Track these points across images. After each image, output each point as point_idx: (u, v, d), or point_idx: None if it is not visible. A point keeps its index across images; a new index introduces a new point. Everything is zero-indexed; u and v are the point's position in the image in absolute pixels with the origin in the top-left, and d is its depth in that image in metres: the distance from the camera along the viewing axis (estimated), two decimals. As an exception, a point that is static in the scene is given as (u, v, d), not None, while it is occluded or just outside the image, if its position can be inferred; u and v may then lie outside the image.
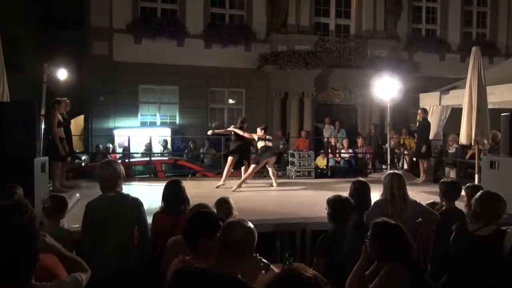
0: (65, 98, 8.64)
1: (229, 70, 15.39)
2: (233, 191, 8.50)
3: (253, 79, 15.69)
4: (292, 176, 10.86)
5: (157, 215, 4.21)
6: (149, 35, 14.69)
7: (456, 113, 11.05)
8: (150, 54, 14.59)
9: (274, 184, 9.20)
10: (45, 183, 6.32)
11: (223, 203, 4.05)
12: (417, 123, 11.10)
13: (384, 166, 11.86)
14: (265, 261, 2.56)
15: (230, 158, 9.36)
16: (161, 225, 4.02)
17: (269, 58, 15.06)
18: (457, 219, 4.01)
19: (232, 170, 9.53)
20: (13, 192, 3.86)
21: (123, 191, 3.61)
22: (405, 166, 12.27)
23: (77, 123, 16.83)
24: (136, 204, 3.54)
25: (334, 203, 3.82)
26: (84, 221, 3.48)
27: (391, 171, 4.69)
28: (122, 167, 3.57)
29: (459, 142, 8.60)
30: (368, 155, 13.49)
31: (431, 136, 10.85)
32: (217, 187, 8.89)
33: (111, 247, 3.38)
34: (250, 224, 2.32)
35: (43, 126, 8.02)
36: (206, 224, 2.65)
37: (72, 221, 4.87)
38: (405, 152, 12.93)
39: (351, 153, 13.41)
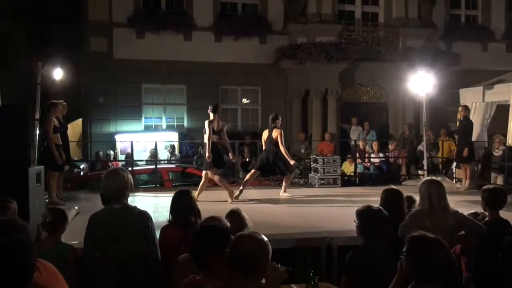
0: (61, 101, 8.77)
1: (242, 66, 15.45)
2: (233, 199, 8.49)
3: (269, 76, 15.72)
4: (315, 185, 10.84)
5: (164, 229, 4.24)
6: (153, 28, 14.84)
7: (502, 110, 10.89)
8: (154, 50, 14.74)
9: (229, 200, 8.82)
10: (41, 195, 6.36)
11: (234, 216, 4.05)
12: (458, 123, 10.98)
13: (420, 172, 11.74)
14: (283, 266, 2.53)
15: (254, 171, 9.36)
16: (169, 239, 4.06)
17: (287, 51, 15.08)
18: (502, 231, 3.96)
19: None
20: (6, 206, 3.90)
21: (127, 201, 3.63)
22: (454, 172, 12.06)
23: (74, 128, 17.05)
24: (144, 218, 3.55)
25: (364, 215, 3.80)
26: (87, 237, 3.50)
27: (429, 177, 4.65)
28: (130, 176, 3.58)
29: (506, 144, 8.48)
30: (401, 160, 13.39)
31: (473, 138, 10.73)
32: (235, 198, 8.83)
33: (116, 265, 3.41)
34: (263, 236, 2.33)
35: (37, 132, 8.15)
36: (216, 239, 2.64)
37: (70, 237, 4.91)
38: (437, 155, 12.83)
39: (382, 157, 13.33)
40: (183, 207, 4.21)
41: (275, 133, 9.08)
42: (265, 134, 9.40)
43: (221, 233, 2.70)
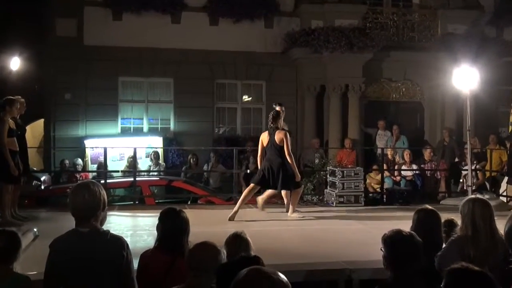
0: (19, 97, 8.77)
1: (243, 56, 15.48)
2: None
3: (277, 68, 15.75)
4: (333, 203, 10.83)
5: (147, 255, 4.25)
6: (133, 8, 14.87)
7: None
8: (134, 35, 14.78)
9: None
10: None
11: (237, 241, 4.05)
12: (510, 127, 10.97)
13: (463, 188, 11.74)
14: None
15: (253, 186, 9.38)
16: (153, 267, 4.07)
17: (299, 38, 15.11)
18: None
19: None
20: None
21: (103, 225, 3.63)
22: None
23: (34, 131, 17.11)
24: (118, 245, 3.52)
25: (393, 242, 3.78)
26: (47, 268, 3.47)
27: (473, 195, 4.64)
28: (103, 192, 3.58)
29: None
30: (440, 173, 13.34)
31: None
32: (231, 219, 8.91)
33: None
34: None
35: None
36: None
37: (27, 266, 4.91)
38: (484, 168, 12.80)
39: (415, 170, 13.31)
40: (173, 229, 4.21)
41: (279, 136, 9.03)
42: (264, 137, 9.34)
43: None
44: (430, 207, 4.84)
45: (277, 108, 9.52)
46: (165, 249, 4.16)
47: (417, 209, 4.81)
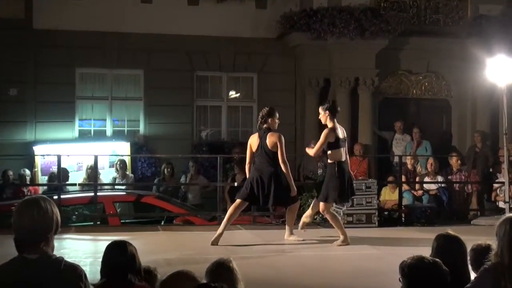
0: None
1: (229, 42, 15.49)
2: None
3: (271, 57, 15.78)
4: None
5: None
6: (94, -17, 14.90)
7: None
8: (95, 17, 14.76)
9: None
10: None
11: (220, 270, 4.06)
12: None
13: (501, 205, 11.76)
14: None
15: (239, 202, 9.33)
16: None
17: (298, 20, 15.13)
18: None
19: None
20: None
21: (53, 251, 3.62)
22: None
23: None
24: (74, 275, 3.51)
25: (413, 271, 3.79)
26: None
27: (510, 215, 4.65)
28: (56, 210, 3.57)
29: None
30: (470, 187, 13.37)
31: None
32: (214, 243, 8.87)
33: None
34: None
35: None
36: None
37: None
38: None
39: (441, 182, 13.34)
40: (115, 263, 4.30)
41: (271, 140, 9.02)
42: (253, 141, 9.29)
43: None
44: (452, 232, 4.83)
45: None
46: (108, 285, 4.22)
47: (437, 234, 4.81)
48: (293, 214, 9.45)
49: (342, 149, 9.18)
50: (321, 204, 9.15)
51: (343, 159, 9.18)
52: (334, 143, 9.09)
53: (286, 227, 9.40)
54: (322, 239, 9.65)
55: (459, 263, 4.58)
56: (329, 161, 9.26)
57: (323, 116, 9.27)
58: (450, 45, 15.49)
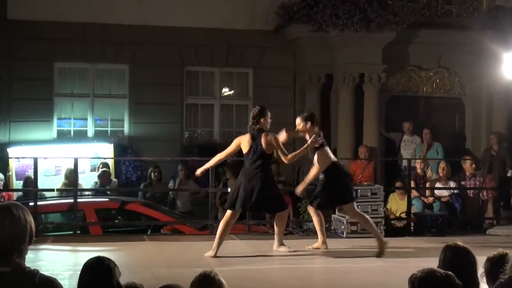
0: None
1: (222, 35, 15.50)
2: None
3: (268, 51, 15.79)
4: (342, 233, 10.85)
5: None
6: (75, -30, 14.89)
7: None
8: (76, 7, 14.73)
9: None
10: None
11: (206, 284, 4.05)
12: None
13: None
14: None
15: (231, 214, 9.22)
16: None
17: (298, 11, 15.15)
18: None
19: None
20: None
21: (27, 264, 3.61)
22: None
23: None
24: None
25: (423, 285, 3.78)
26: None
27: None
28: (31, 218, 3.56)
29: None
30: (486, 193, 13.37)
31: None
32: (209, 255, 8.83)
33: None
34: None
35: None
36: None
37: None
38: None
39: (453, 188, 13.35)
40: (92, 284, 4.24)
41: (266, 141, 9.00)
42: (244, 141, 9.21)
43: None
44: (461, 243, 4.83)
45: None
46: None
47: (444, 245, 4.80)
48: (283, 222, 9.44)
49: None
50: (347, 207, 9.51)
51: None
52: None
53: (275, 237, 9.36)
54: (322, 250, 9.61)
55: (468, 278, 4.56)
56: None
57: (304, 126, 9.47)
58: (463, 39, 15.51)
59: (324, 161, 9.27)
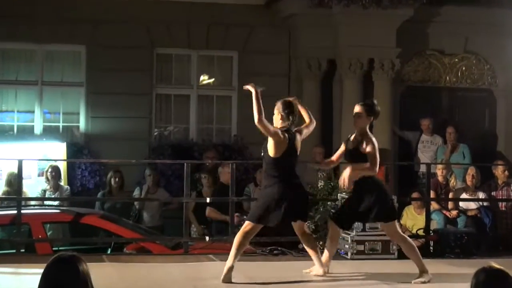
0: None
1: (200, 10, 15.54)
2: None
3: (257, 30, 15.87)
4: (347, 253, 10.83)
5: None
6: None
7: None
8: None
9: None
10: None
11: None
12: None
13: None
14: None
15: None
16: None
17: (294, -16, 15.20)
18: None
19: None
20: None
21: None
22: None
23: None
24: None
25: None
26: None
27: None
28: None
29: None
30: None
31: None
32: (225, 280, 8.77)
33: None
34: None
35: None
36: None
37: None
38: None
39: (482, 200, 13.36)
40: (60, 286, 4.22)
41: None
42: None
43: None
44: (497, 265, 4.78)
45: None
46: None
47: (477, 269, 4.74)
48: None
49: None
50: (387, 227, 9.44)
51: None
52: None
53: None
54: (324, 277, 9.59)
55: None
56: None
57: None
58: (495, 18, 15.64)
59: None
